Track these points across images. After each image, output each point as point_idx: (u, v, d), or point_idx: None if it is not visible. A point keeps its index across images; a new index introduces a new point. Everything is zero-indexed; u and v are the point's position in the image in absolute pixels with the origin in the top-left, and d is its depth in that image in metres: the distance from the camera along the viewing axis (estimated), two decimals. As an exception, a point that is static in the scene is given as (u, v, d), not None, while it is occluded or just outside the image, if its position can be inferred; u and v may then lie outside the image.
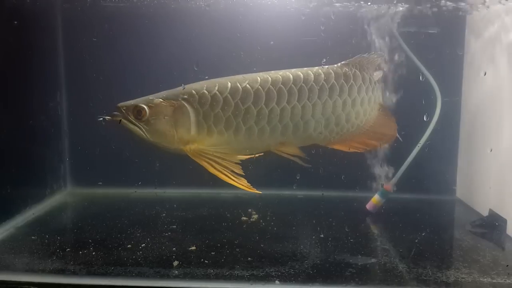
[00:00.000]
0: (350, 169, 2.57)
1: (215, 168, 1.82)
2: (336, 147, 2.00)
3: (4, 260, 2.00)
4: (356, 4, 2.40)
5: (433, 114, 2.51)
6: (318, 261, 1.97)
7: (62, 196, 2.91)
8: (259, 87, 1.84)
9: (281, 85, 1.86)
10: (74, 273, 1.86)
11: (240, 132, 1.85)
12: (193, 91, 1.84)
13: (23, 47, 2.56)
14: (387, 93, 2.14)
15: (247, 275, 1.84)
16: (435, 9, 2.49)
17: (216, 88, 1.84)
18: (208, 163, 1.83)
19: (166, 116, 1.82)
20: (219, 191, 2.98)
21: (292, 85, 1.87)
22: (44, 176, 2.81)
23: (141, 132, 1.83)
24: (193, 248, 2.11)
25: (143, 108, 1.80)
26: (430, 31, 2.45)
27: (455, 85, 2.78)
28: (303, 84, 1.87)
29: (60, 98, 2.91)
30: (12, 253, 2.06)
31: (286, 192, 2.96)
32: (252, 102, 1.84)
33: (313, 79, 1.89)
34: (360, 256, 2.02)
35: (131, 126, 1.83)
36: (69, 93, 2.95)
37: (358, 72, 1.95)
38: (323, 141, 1.97)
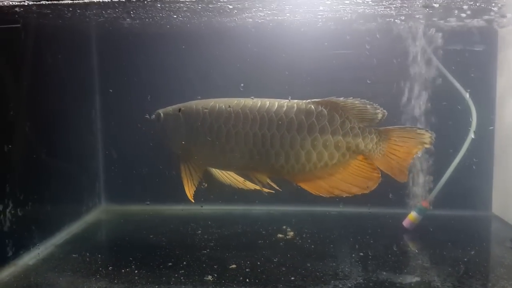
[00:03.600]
0: (382, 185, 2.56)
1: (186, 176, 2.04)
2: (303, 186, 1.99)
3: (48, 279, 2.03)
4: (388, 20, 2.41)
5: (468, 130, 2.49)
6: (361, 280, 1.96)
7: (97, 213, 2.95)
8: (231, 109, 1.95)
9: (248, 111, 1.94)
10: (119, 292, 1.88)
11: (215, 148, 1.99)
12: (188, 104, 2.06)
13: (59, 67, 2.62)
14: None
15: (291, 294, 1.85)
16: (468, 23, 2.49)
17: (201, 104, 2.02)
18: (185, 170, 2.04)
19: (170, 123, 2.07)
20: (251, 208, 2.99)
21: (256, 112, 1.93)
22: (81, 194, 2.85)
23: (158, 133, 2.13)
24: (234, 266, 2.11)
25: (160, 114, 2.11)
26: (476, 49, 2.45)
27: (489, 101, 2.76)
28: (264, 113, 1.93)
29: (95, 116, 2.97)
30: (56, 271, 2.09)
31: (318, 209, 2.95)
32: (223, 122, 1.96)
33: (274, 110, 1.93)
34: (403, 275, 2.00)
35: (157, 127, 2.13)
36: (104, 111, 3.00)
37: (325, 112, 1.91)
38: (287, 176, 1.97)
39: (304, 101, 1.94)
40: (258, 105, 1.94)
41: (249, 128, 1.93)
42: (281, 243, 2.42)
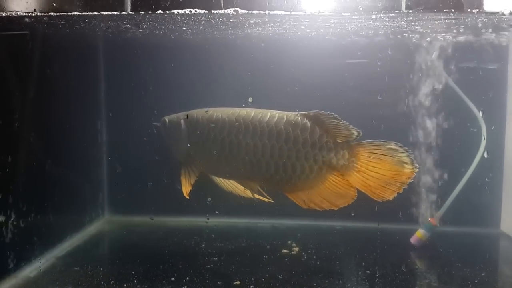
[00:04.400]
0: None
1: (185, 176, 2.10)
2: (289, 196, 2.02)
3: (49, 292, 2.00)
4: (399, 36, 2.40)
5: (478, 147, 2.46)
6: (369, 300, 1.92)
7: (100, 225, 2.92)
8: (226, 118, 2.00)
9: (241, 120, 1.98)
10: (121, 308, 1.85)
11: (211, 155, 2.04)
12: (190, 112, 2.11)
13: (66, 77, 2.60)
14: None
15: (296, 314, 1.81)
16: (478, 39, 2.47)
17: (201, 113, 2.08)
18: (184, 171, 2.11)
19: (174, 130, 2.13)
20: (256, 221, 2.95)
21: (249, 122, 1.97)
22: (84, 205, 2.83)
23: (164, 139, 2.21)
24: (238, 282, 2.07)
25: (166, 121, 2.17)
26: (490, 67, 2.43)
27: (499, 116, 2.73)
28: (257, 123, 1.96)
29: (100, 126, 2.95)
30: (57, 285, 2.06)
31: (323, 223, 2.91)
32: (218, 131, 2.01)
33: (266, 120, 1.95)
34: (411, 295, 1.97)
35: (162, 133, 2.22)
36: (110, 121, 2.98)
37: (308, 124, 1.93)
38: (277, 186, 2.00)
39: (293, 113, 1.97)
40: (251, 115, 1.98)
41: (241, 138, 1.96)
42: (286, 259, 2.38)
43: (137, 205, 2.97)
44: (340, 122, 1.91)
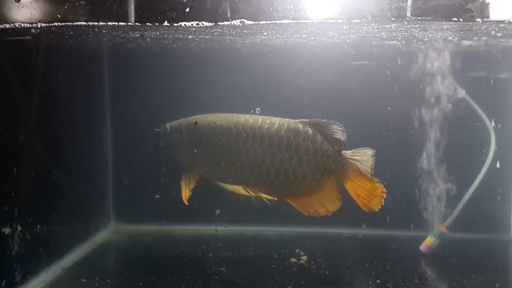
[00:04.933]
0: (397, 207, 2.50)
1: (185, 182, 2.10)
2: (291, 202, 2.02)
3: (57, 305, 1.98)
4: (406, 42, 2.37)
5: (487, 153, 2.43)
6: (379, 311, 1.90)
7: (107, 234, 2.89)
8: (225, 124, 2.01)
9: (240, 127, 1.98)
10: (129, 322, 1.83)
11: (210, 161, 2.05)
12: (190, 119, 2.12)
13: (71, 86, 2.59)
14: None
15: (307, 327, 1.78)
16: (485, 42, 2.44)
17: (201, 120, 2.08)
18: (184, 177, 2.10)
19: (175, 136, 2.13)
20: (263, 229, 2.93)
21: (248, 129, 1.97)
22: (90, 214, 2.81)
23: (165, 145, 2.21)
24: (247, 294, 2.06)
25: (167, 127, 2.17)
26: (501, 76, 2.40)
27: (508, 123, 2.70)
28: (257, 130, 1.97)
29: (106, 135, 2.93)
30: (64, 297, 2.05)
31: (331, 230, 2.88)
32: (217, 137, 2.01)
33: (266, 127, 1.96)
34: (423, 306, 1.94)
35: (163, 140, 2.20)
36: (115, 130, 2.96)
37: (310, 132, 1.94)
38: (277, 192, 2.01)
39: (294, 120, 1.98)
40: (251, 122, 1.99)
41: (241, 144, 1.97)
42: (295, 268, 2.35)
43: (143, 214, 2.95)
44: (339, 129, 1.94)
